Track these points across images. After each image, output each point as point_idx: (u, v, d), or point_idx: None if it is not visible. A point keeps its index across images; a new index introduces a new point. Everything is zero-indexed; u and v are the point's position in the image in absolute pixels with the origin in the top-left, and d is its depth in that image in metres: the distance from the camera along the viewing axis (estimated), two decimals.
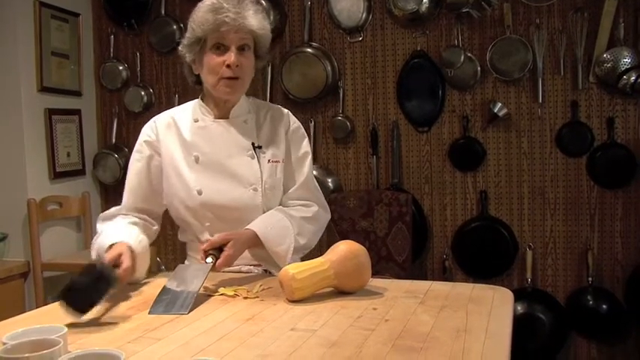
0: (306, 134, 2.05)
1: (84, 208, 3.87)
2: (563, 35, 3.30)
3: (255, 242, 1.81)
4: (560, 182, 3.39)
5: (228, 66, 1.80)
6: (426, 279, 3.48)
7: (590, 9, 3.25)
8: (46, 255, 3.59)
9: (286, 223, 1.87)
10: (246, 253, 1.85)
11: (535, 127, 3.41)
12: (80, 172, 3.98)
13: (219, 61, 1.81)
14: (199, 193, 1.87)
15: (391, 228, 3.45)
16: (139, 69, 4.02)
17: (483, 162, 3.48)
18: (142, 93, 4.00)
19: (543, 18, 3.33)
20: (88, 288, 1.44)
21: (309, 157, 2.02)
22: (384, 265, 3.43)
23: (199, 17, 1.81)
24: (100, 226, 1.91)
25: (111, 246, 1.71)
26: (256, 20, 1.83)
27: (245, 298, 1.62)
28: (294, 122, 2.02)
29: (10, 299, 3.43)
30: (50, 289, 3.59)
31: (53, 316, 1.50)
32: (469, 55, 3.43)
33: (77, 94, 3.97)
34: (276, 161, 1.93)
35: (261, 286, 1.71)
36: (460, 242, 3.53)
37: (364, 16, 3.58)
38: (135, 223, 1.90)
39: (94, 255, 1.81)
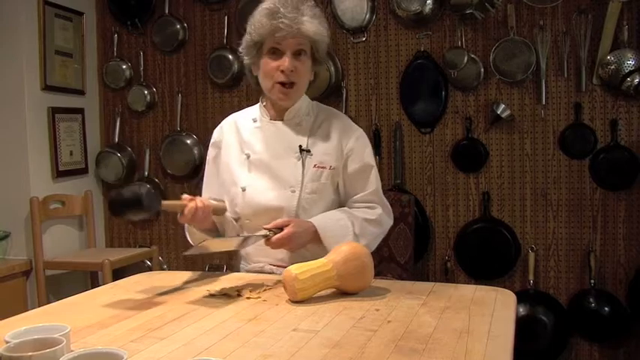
0: (369, 143, 2.02)
1: (86, 206, 3.88)
2: (567, 37, 3.29)
3: (314, 236, 1.82)
4: (563, 184, 3.39)
5: (282, 71, 1.82)
6: (428, 280, 3.49)
7: (594, 11, 3.24)
8: (49, 253, 3.60)
9: (347, 222, 1.87)
10: (271, 252, 1.85)
11: (538, 129, 3.41)
12: (83, 171, 3.99)
13: (273, 66, 1.83)
14: (243, 189, 1.91)
15: (393, 229, 3.42)
16: (142, 68, 4.02)
17: (486, 163, 3.48)
18: (145, 92, 4.00)
19: (547, 20, 3.32)
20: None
21: (375, 168, 2.00)
22: (385, 265, 3.42)
23: (256, 21, 1.83)
24: None
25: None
26: (312, 26, 1.82)
27: (248, 298, 1.62)
28: (357, 130, 2.00)
29: (12, 297, 3.44)
30: (52, 287, 3.59)
31: (56, 315, 1.50)
32: (472, 56, 3.43)
33: (80, 92, 3.97)
34: (322, 167, 1.91)
35: (264, 286, 1.71)
36: (462, 243, 3.53)
37: (368, 16, 3.58)
38: None
39: (189, 238, 1.95)
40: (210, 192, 2.02)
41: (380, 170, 3.58)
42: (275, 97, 1.89)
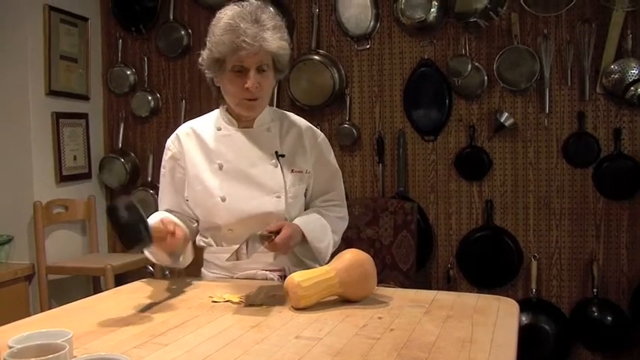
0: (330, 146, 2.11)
1: (89, 211, 3.88)
2: (571, 46, 3.30)
3: (301, 237, 1.85)
4: (566, 193, 3.39)
5: (247, 88, 1.79)
6: (430, 288, 3.48)
7: (598, 20, 3.25)
8: (51, 258, 3.60)
9: (324, 222, 1.95)
10: (262, 258, 1.86)
11: (541, 138, 3.41)
12: (86, 176, 4.00)
13: (238, 83, 1.80)
14: (223, 199, 1.88)
15: (396, 236, 3.45)
16: (146, 74, 4.03)
17: (489, 171, 3.48)
18: (149, 98, 4.01)
19: (551, 28, 3.33)
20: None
21: (339, 170, 2.11)
22: (388, 273, 3.42)
23: (216, 38, 1.78)
24: None
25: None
26: (275, 41, 1.78)
27: (250, 305, 1.62)
28: (320, 134, 2.06)
29: (14, 302, 3.44)
30: (54, 292, 3.59)
31: (58, 320, 1.51)
32: (476, 64, 3.43)
33: (85, 98, 3.98)
34: (299, 171, 1.94)
35: (266, 293, 1.71)
36: (465, 251, 3.53)
37: (372, 24, 3.58)
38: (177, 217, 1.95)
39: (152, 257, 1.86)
40: (167, 205, 1.98)
41: (383, 178, 3.62)
42: (241, 111, 1.88)
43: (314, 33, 3.68)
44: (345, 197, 2.13)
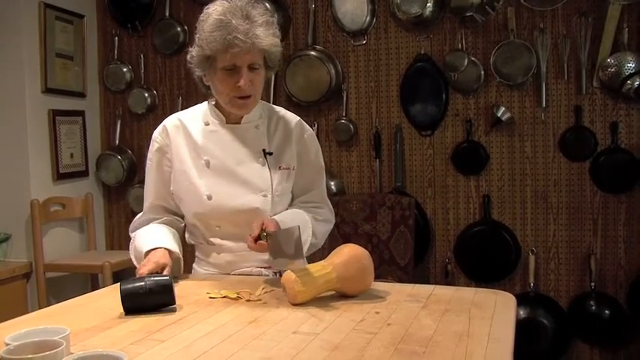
0: (319, 144, 2.05)
1: (87, 209, 3.88)
2: (567, 40, 3.30)
3: None
4: (564, 187, 3.39)
5: (239, 87, 1.77)
6: (428, 283, 3.47)
7: (594, 13, 3.25)
8: (49, 256, 3.60)
9: (305, 217, 1.91)
10: (257, 256, 1.85)
11: (538, 132, 3.41)
12: (83, 174, 3.99)
13: (230, 82, 1.77)
14: (209, 198, 1.86)
15: (394, 231, 3.45)
16: (142, 71, 4.02)
17: (486, 166, 3.48)
18: (146, 95, 4.00)
19: (547, 22, 3.33)
20: (146, 295, 1.52)
21: (324, 169, 2.06)
22: (386, 268, 3.42)
23: (207, 36, 1.74)
24: (133, 234, 1.96)
25: (147, 253, 1.76)
26: (267, 38, 1.76)
27: (248, 300, 1.62)
28: (308, 129, 2.01)
29: (12, 300, 3.44)
30: (52, 290, 3.59)
31: (56, 317, 1.50)
32: (473, 59, 3.43)
33: (81, 95, 3.98)
34: (287, 168, 1.92)
35: (263, 288, 1.71)
36: (463, 246, 3.53)
37: (368, 19, 3.58)
38: (164, 222, 1.94)
39: (133, 260, 1.88)
40: (153, 198, 1.97)
41: (380, 173, 3.62)
42: (232, 109, 1.85)
43: (310, 29, 3.68)
44: (326, 198, 2.07)
